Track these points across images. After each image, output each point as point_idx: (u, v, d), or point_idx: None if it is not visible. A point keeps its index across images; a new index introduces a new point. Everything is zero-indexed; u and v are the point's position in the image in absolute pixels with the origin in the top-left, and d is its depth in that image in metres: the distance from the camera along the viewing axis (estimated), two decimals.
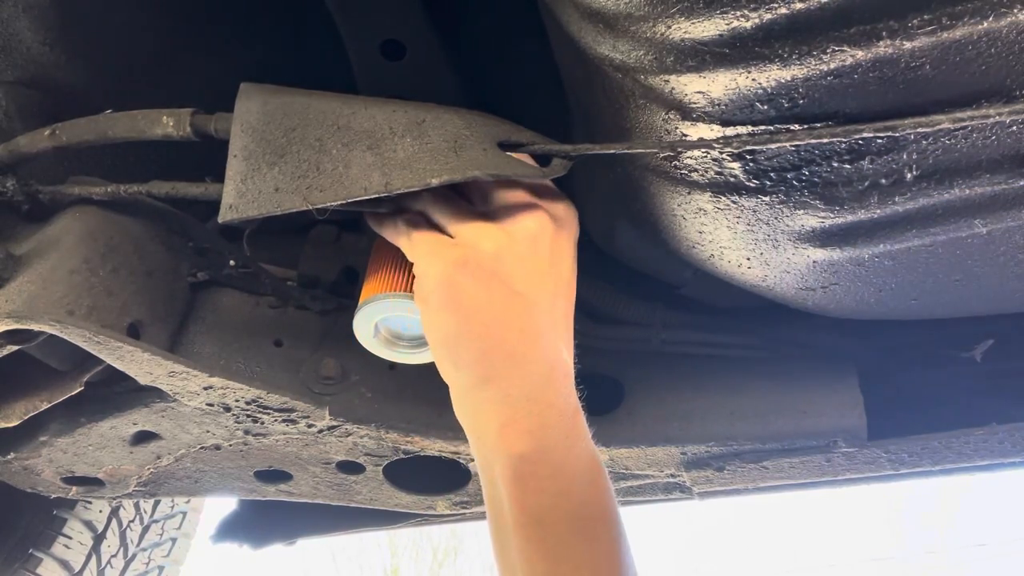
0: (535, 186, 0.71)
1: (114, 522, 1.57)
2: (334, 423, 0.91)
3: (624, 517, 0.65)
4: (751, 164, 0.60)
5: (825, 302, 0.77)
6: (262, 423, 0.91)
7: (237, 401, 0.87)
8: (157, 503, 1.68)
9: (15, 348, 0.79)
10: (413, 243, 0.68)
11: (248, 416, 0.90)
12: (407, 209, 0.72)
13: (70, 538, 1.49)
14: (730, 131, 0.58)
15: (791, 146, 0.57)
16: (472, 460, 0.98)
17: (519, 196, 0.69)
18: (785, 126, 0.56)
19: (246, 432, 0.94)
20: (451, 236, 0.68)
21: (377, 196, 0.67)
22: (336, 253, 0.96)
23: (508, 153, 0.69)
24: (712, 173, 0.63)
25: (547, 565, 0.61)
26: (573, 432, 0.64)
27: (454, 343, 0.65)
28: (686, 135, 0.61)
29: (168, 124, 0.76)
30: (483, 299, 0.64)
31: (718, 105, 0.56)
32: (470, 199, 0.71)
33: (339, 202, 0.67)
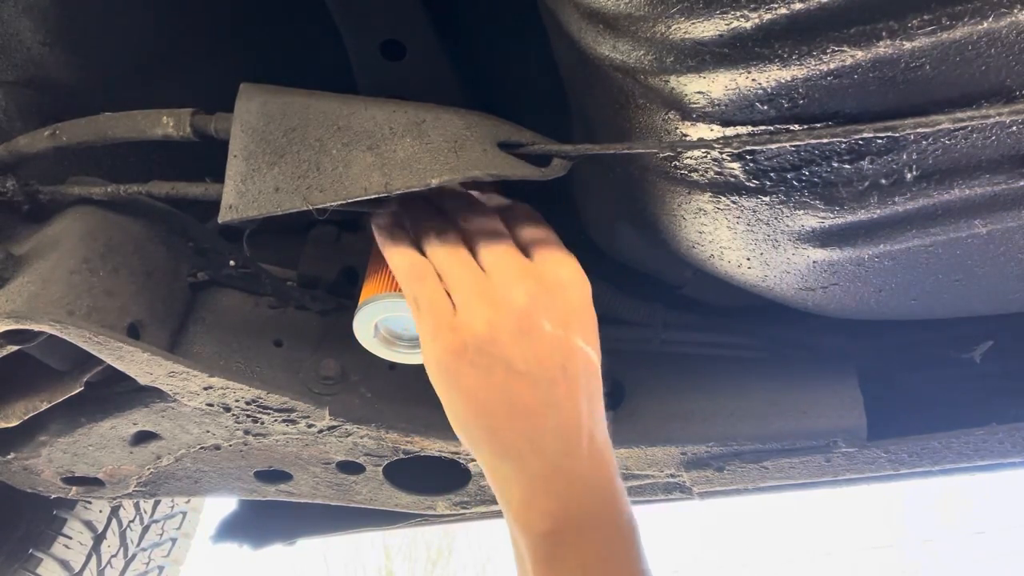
0: (537, 245, 0.69)
1: (114, 522, 1.57)
2: (334, 423, 0.91)
3: None
4: (751, 164, 0.60)
5: (825, 302, 0.77)
6: (262, 423, 0.91)
7: (237, 401, 0.87)
8: (157, 503, 1.68)
9: (15, 348, 0.79)
10: (419, 316, 0.67)
11: (248, 416, 0.90)
12: (413, 226, 0.71)
13: (70, 538, 1.49)
14: (730, 131, 0.58)
15: (791, 146, 0.57)
16: (472, 460, 0.98)
17: (513, 262, 0.66)
18: (785, 126, 0.56)
19: (246, 432, 0.94)
20: (448, 287, 0.66)
21: (377, 196, 0.67)
22: (336, 253, 0.96)
23: (508, 153, 0.69)
24: (712, 173, 0.63)
25: None
26: (604, 509, 0.61)
27: (463, 424, 0.65)
28: (686, 135, 0.61)
29: (168, 124, 0.76)
30: (483, 383, 0.63)
31: (718, 105, 0.56)
32: (472, 248, 0.69)
33: (339, 202, 0.67)
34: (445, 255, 0.68)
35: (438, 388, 0.66)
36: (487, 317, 0.64)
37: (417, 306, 0.67)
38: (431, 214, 0.72)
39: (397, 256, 0.70)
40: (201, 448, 0.99)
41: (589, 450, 0.63)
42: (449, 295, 0.66)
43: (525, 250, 0.69)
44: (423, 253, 0.69)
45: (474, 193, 0.75)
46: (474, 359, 0.63)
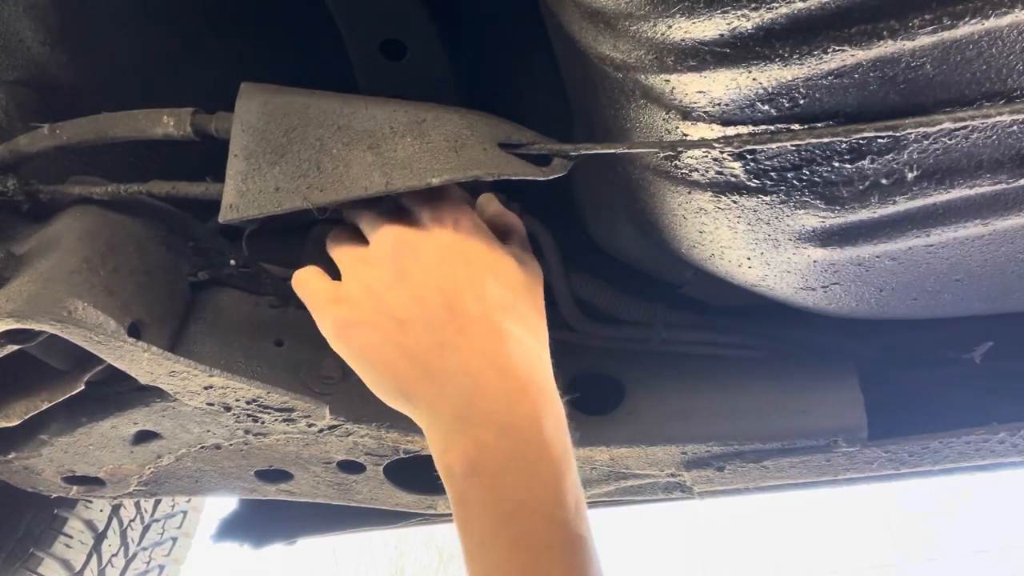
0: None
1: (115, 521, 1.57)
2: (334, 422, 0.91)
3: (599, 544, 0.57)
4: (752, 164, 0.60)
5: (825, 302, 0.77)
6: (262, 422, 0.91)
7: (237, 400, 0.87)
8: (158, 502, 1.68)
9: (15, 347, 0.79)
10: (310, 307, 0.68)
11: (248, 415, 0.90)
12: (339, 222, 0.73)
13: (71, 537, 1.49)
14: (731, 131, 0.58)
15: (792, 146, 0.57)
16: None
17: (387, 222, 0.66)
18: (786, 126, 0.56)
19: (246, 431, 0.94)
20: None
21: (377, 195, 0.67)
22: None
23: (508, 153, 0.69)
24: (713, 173, 0.63)
25: None
26: (521, 448, 0.57)
27: (377, 386, 0.65)
28: (686, 135, 0.61)
29: (168, 123, 0.76)
30: (376, 341, 0.63)
31: (719, 105, 0.56)
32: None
33: (340, 201, 0.67)
34: (333, 241, 0.70)
35: (348, 362, 0.66)
36: (362, 277, 0.65)
37: (305, 302, 0.69)
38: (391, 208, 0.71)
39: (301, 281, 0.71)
40: (202, 447, 0.99)
41: (501, 388, 0.59)
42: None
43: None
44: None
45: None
46: (360, 319, 0.64)
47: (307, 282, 0.69)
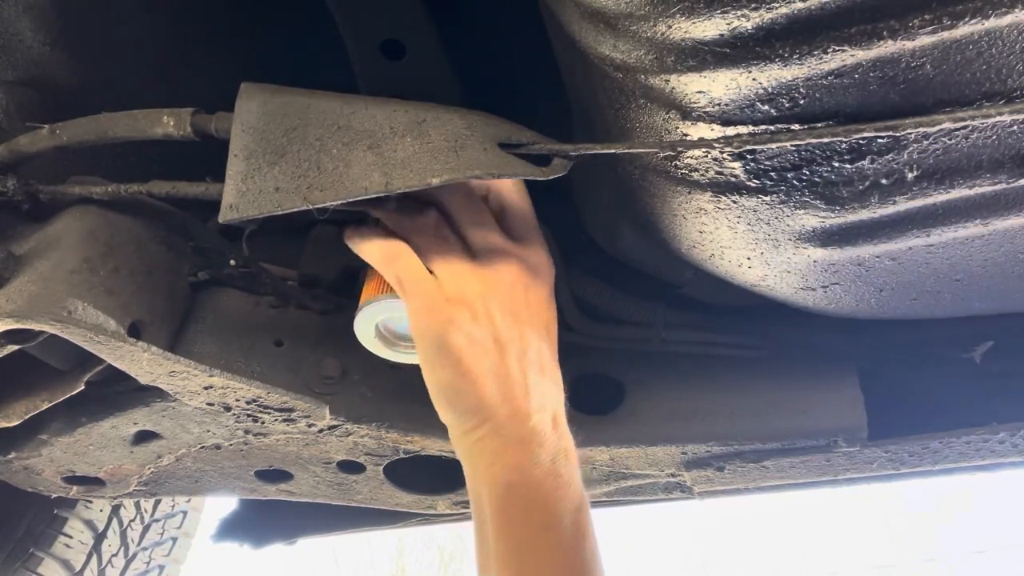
0: (514, 230, 0.75)
1: (115, 521, 1.57)
2: (334, 422, 0.91)
3: (603, 555, 0.69)
4: (752, 164, 0.60)
5: (825, 302, 0.77)
6: (262, 422, 0.91)
7: (237, 401, 0.87)
8: (158, 502, 1.68)
9: (16, 347, 0.79)
10: (405, 291, 0.71)
11: (248, 416, 0.90)
12: (391, 225, 0.74)
13: (71, 537, 1.49)
14: (731, 131, 0.58)
15: (792, 146, 0.57)
16: None
17: (496, 241, 0.73)
18: (786, 126, 0.56)
19: (246, 431, 0.94)
20: (433, 272, 0.71)
21: (378, 195, 0.67)
22: (337, 253, 0.95)
23: (508, 153, 0.69)
24: (713, 173, 0.63)
25: None
26: (563, 470, 0.68)
27: (453, 394, 0.70)
28: (686, 135, 0.61)
29: (168, 124, 0.76)
30: (476, 353, 0.69)
31: (719, 105, 0.56)
32: (452, 226, 0.74)
33: (339, 202, 0.67)
34: (423, 238, 0.72)
35: (427, 358, 0.70)
36: (479, 291, 0.70)
37: (400, 284, 0.71)
38: (410, 207, 0.74)
39: (368, 247, 0.73)
40: (202, 447, 0.99)
41: (554, 418, 0.70)
42: (433, 272, 0.71)
43: (510, 231, 0.75)
44: (406, 240, 0.73)
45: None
46: (467, 329, 0.69)
47: (410, 270, 0.71)
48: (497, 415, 0.68)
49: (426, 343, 0.70)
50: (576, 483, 0.69)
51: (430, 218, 0.73)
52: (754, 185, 0.62)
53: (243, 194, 0.69)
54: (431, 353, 0.70)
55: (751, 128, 0.57)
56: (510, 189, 0.77)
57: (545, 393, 0.70)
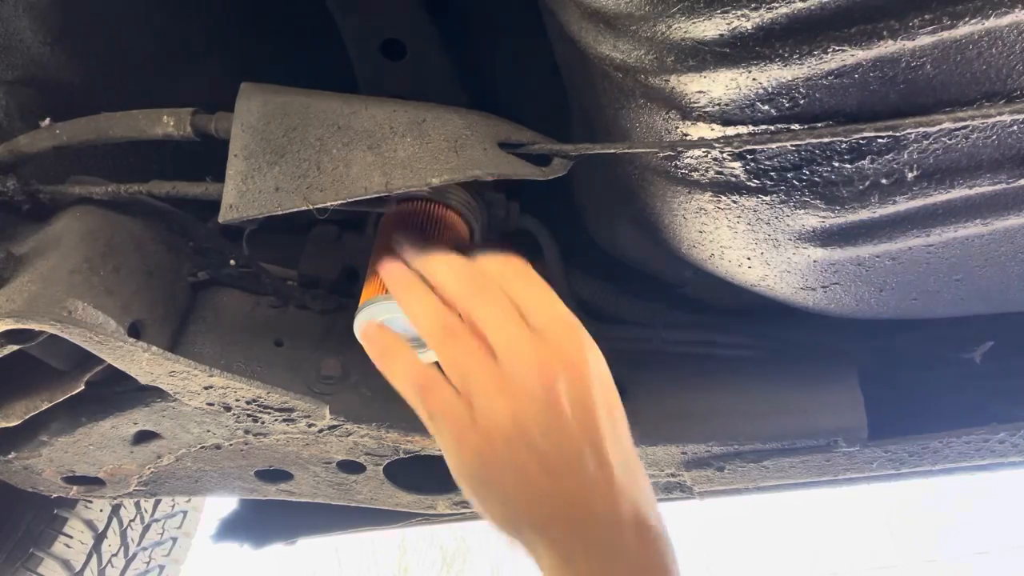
0: (537, 309, 0.63)
1: (115, 521, 1.57)
2: (334, 422, 0.91)
3: None
4: (752, 164, 0.60)
5: (825, 301, 0.77)
6: (262, 422, 0.91)
7: (237, 400, 0.87)
8: (158, 502, 1.68)
9: (16, 347, 0.79)
10: (436, 426, 0.63)
11: (248, 415, 0.90)
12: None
13: (71, 537, 1.49)
14: (731, 131, 0.58)
15: (792, 146, 0.57)
16: None
17: (522, 339, 0.61)
18: (786, 126, 0.56)
19: (246, 431, 0.94)
20: (456, 382, 0.62)
21: (377, 195, 0.67)
22: (337, 253, 0.96)
23: (508, 153, 0.69)
24: (713, 173, 0.63)
25: None
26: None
27: (509, 524, 0.61)
28: (687, 135, 0.61)
29: (168, 124, 0.76)
30: (518, 481, 0.60)
31: (719, 105, 0.56)
32: (473, 326, 0.64)
33: (339, 201, 0.67)
34: (446, 337, 0.63)
35: (473, 495, 0.62)
36: (510, 410, 0.60)
37: (431, 418, 0.63)
38: (425, 293, 0.66)
39: (399, 372, 0.66)
40: (202, 447, 0.99)
41: (639, 538, 0.59)
42: (460, 391, 0.62)
43: (525, 314, 0.63)
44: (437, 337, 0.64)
45: (459, 253, 0.69)
46: (504, 457, 0.60)
47: (441, 402, 0.63)
48: (564, 543, 0.59)
49: (466, 482, 0.62)
50: None
51: (449, 315, 0.64)
52: (754, 185, 0.62)
53: (243, 194, 0.69)
54: (474, 492, 0.62)
55: (751, 128, 0.57)
56: (517, 265, 0.66)
57: (620, 501, 0.60)
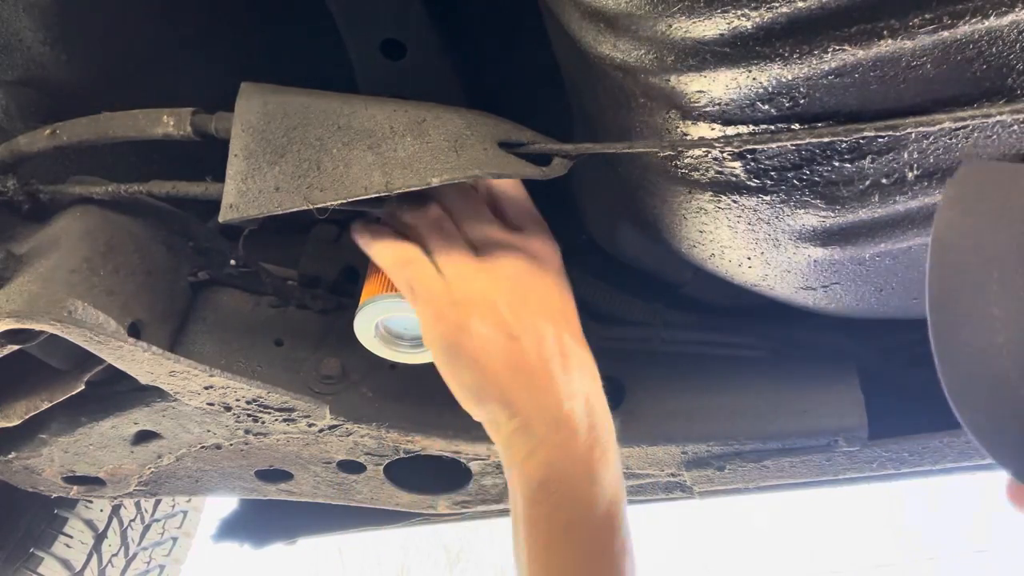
0: (511, 220, 0.74)
1: (115, 521, 1.57)
2: (335, 422, 0.91)
3: (636, 552, 0.68)
4: (752, 163, 0.60)
5: (826, 301, 0.77)
6: (262, 422, 0.91)
7: (238, 400, 0.87)
8: (158, 502, 1.68)
9: (16, 347, 0.79)
10: (416, 298, 0.70)
11: (248, 415, 0.90)
12: (396, 223, 0.74)
13: (71, 537, 1.49)
14: (731, 130, 0.58)
15: (792, 145, 0.57)
16: (472, 460, 0.98)
17: (495, 234, 0.72)
18: (786, 125, 0.56)
19: (247, 431, 0.94)
20: (437, 266, 0.70)
21: (378, 195, 0.67)
22: (337, 252, 0.96)
23: (508, 152, 0.69)
24: (713, 172, 0.63)
25: None
26: (598, 463, 0.67)
27: (475, 391, 0.69)
28: (687, 134, 0.61)
29: (168, 123, 0.76)
30: (487, 350, 0.68)
31: (719, 104, 0.56)
32: (458, 226, 0.73)
33: (340, 201, 0.67)
34: (430, 235, 0.71)
35: (444, 363, 0.70)
36: (483, 288, 0.69)
37: (412, 290, 0.71)
38: (412, 202, 0.73)
39: (380, 249, 0.73)
40: (202, 447, 0.99)
41: (586, 408, 0.68)
42: (440, 271, 0.70)
43: (508, 222, 0.74)
44: (412, 237, 0.72)
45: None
46: (477, 329, 0.68)
47: (421, 276, 0.70)
48: (524, 409, 0.67)
49: (440, 349, 0.69)
50: (610, 477, 0.67)
51: (433, 212, 0.72)
52: (754, 185, 0.62)
53: (243, 194, 0.69)
54: (447, 358, 0.69)
55: (751, 128, 0.57)
56: (506, 183, 0.76)
57: (572, 379, 0.69)
